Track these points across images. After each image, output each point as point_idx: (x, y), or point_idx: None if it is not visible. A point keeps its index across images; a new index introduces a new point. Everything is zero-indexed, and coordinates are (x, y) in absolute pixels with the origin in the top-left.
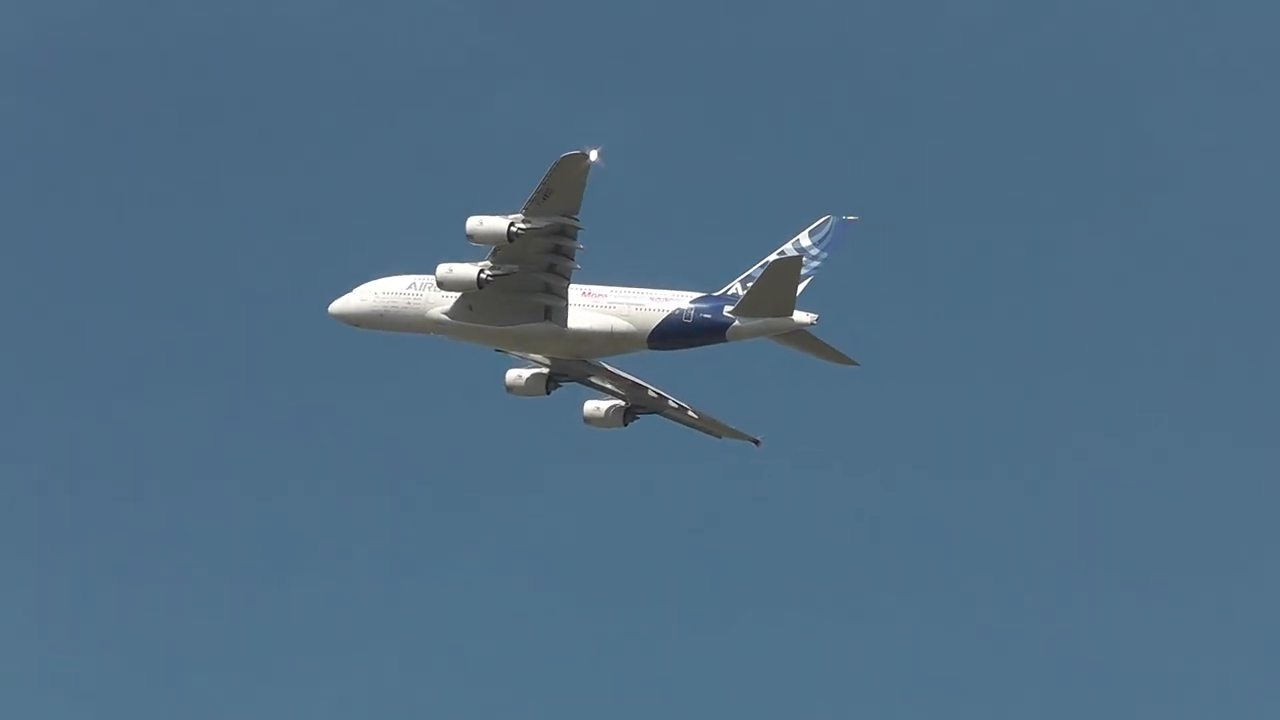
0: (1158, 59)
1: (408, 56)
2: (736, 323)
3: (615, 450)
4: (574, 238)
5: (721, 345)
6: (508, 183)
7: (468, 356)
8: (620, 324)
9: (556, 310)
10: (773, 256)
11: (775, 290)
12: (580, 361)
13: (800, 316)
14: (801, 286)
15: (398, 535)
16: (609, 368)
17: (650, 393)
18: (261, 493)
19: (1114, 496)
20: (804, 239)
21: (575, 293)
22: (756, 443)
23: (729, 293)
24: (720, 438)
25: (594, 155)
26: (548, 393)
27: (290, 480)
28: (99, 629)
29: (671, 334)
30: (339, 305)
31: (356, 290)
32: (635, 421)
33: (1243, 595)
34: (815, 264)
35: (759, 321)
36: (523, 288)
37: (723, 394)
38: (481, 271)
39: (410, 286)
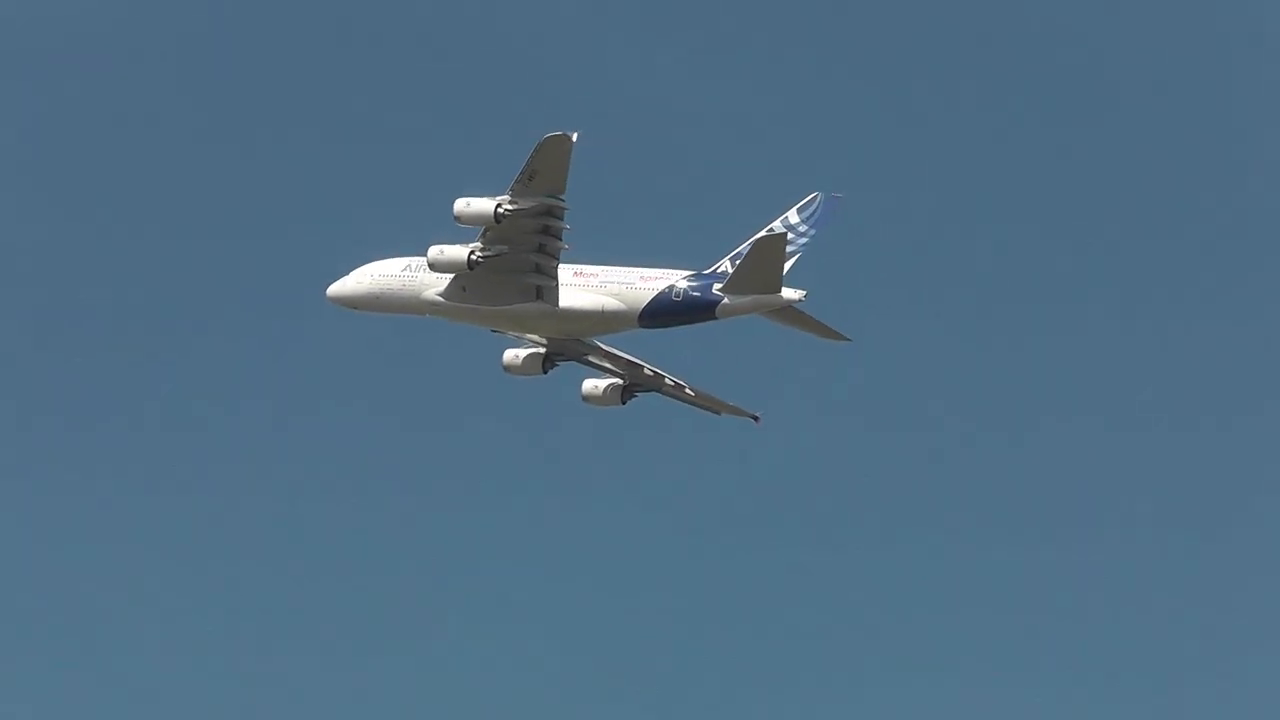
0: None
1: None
2: (725, 300)
3: (615, 428)
4: (561, 218)
5: (713, 323)
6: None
7: (465, 337)
8: (611, 303)
9: (548, 290)
10: (762, 233)
11: (761, 267)
12: (575, 341)
13: (789, 293)
14: (790, 263)
15: (405, 519)
16: (604, 347)
17: (646, 371)
18: (269, 479)
19: (1104, 469)
20: (792, 216)
21: (567, 273)
22: (756, 419)
23: (719, 270)
24: (720, 414)
25: (575, 137)
26: (544, 372)
27: (298, 464)
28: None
29: (662, 312)
30: (335, 288)
31: (353, 273)
32: (634, 399)
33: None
34: (803, 240)
35: (747, 299)
36: (513, 268)
37: (720, 371)
38: (472, 253)
39: (405, 268)
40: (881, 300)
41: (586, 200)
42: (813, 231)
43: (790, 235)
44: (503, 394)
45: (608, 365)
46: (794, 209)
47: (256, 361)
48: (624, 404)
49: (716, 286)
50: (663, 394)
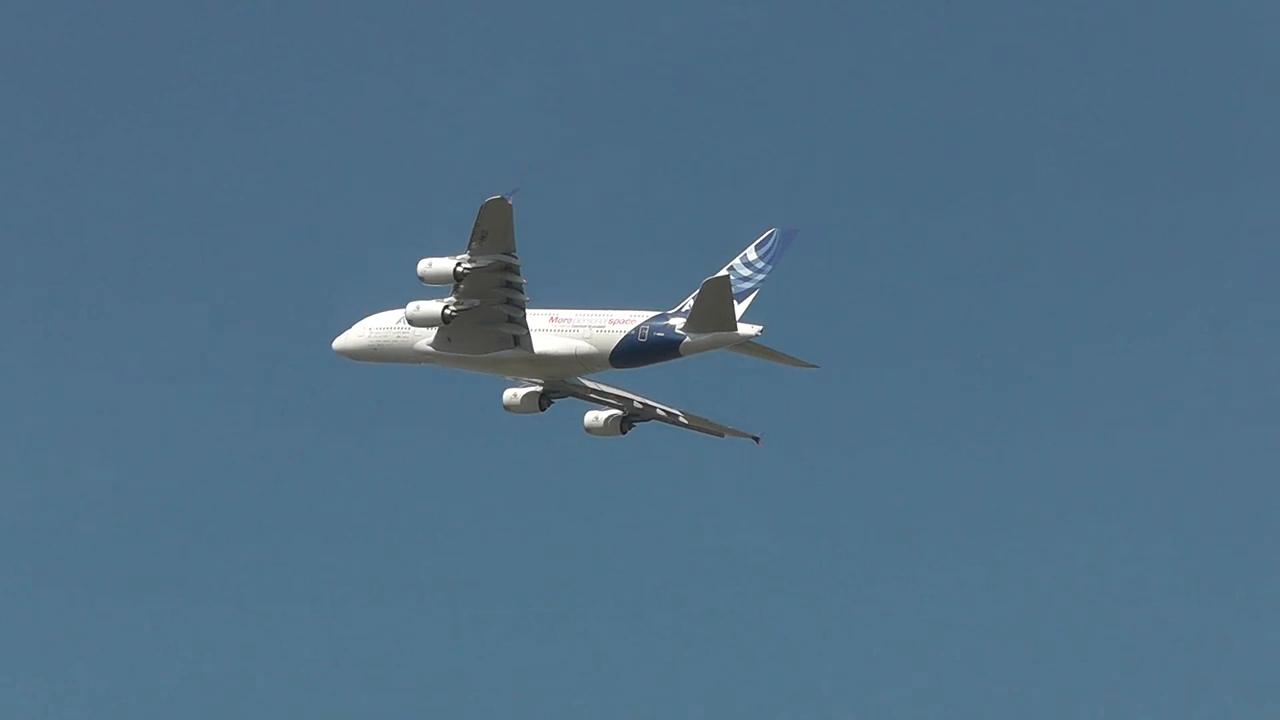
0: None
1: None
2: (687, 339)
3: (618, 456)
4: (518, 273)
5: (680, 360)
6: None
7: (466, 380)
8: (583, 346)
9: (524, 337)
10: (723, 272)
11: (713, 307)
12: (563, 380)
13: (745, 329)
14: (749, 300)
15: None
16: (591, 384)
17: (636, 403)
18: (279, 514)
19: (1086, 486)
20: (750, 253)
21: (543, 318)
22: (756, 440)
23: (683, 309)
24: (723, 436)
25: (511, 201)
26: (542, 409)
27: (308, 500)
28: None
29: (630, 352)
30: (339, 342)
31: (354, 326)
32: (633, 429)
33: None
34: (761, 277)
35: (707, 337)
36: (488, 319)
37: (716, 395)
38: (446, 308)
39: (399, 321)
40: (847, 327)
41: (559, 242)
42: (770, 267)
43: (748, 273)
44: (506, 431)
45: (600, 400)
46: (751, 246)
47: (271, 401)
48: (624, 434)
49: (679, 326)
50: (661, 422)
